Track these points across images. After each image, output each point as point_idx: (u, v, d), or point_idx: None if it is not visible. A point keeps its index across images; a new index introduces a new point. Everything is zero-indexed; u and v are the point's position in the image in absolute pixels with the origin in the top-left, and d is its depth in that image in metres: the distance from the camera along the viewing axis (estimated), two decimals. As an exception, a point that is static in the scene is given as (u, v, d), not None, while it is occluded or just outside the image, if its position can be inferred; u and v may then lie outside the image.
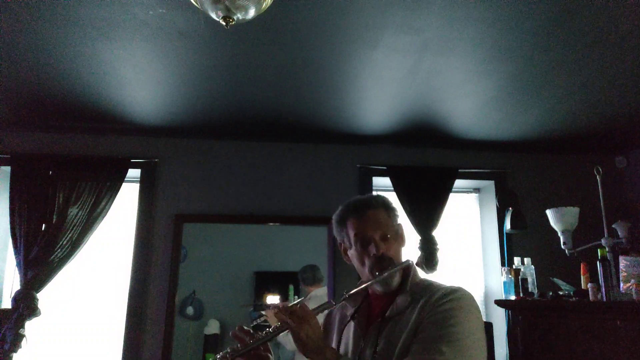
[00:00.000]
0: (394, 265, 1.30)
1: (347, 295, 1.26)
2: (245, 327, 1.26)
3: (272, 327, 1.19)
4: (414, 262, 1.38)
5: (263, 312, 3.25)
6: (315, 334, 1.16)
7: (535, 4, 1.90)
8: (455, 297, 1.22)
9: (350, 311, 1.39)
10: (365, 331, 1.31)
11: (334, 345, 1.38)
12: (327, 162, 3.53)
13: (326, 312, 1.45)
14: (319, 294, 3.30)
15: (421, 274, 1.41)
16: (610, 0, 1.88)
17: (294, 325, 1.14)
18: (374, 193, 3.54)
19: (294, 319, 1.15)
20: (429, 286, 1.30)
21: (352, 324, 1.36)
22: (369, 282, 1.29)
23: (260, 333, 1.21)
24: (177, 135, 3.37)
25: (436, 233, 3.39)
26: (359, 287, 1.30)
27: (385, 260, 1.30)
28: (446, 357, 1.11)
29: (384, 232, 1.33)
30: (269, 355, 1.33)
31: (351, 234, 1.35)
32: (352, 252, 1.37)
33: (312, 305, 1.22)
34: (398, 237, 1.37)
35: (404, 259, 1.36)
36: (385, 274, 1.28)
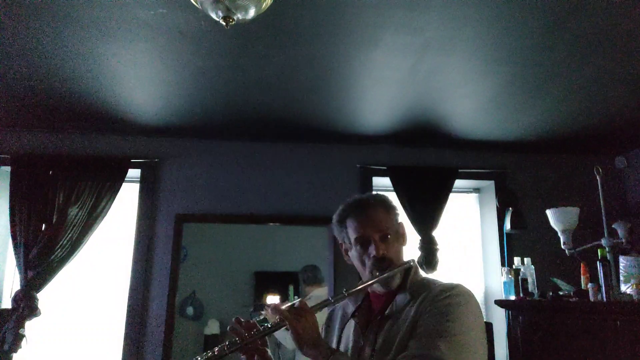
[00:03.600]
0: (395, 266, 1.29)
1: (346, 294, 1.26)
2: (242, 319, 1.25)
3: (271, 322, 1.21)
4: (415, 262, 1.37)
5: (262, 312, 3.25)
6: (312, 329, 1.17)
7: (535, 5, 1.90)
8: (453, 293, 1.21)
9: (351, 309, 1.39)
10: (364, 329, 1.30)
11: (334, 343, 1.38)
12: (327, 162, 3.53)
13: (327, 310, 1.45)
14: (318, 294, 3.30)
15: (422, 272, 1.39)
16: (610, 0, 1.88)
17: (291, 319, 1.16)
18: (374, 192, 3.56)
19: (291, 314, 1.17)
20: (429, 283, 1.30)
21: (352, 322, 1.35)
22: (368, 282, 1.28)
23: (258, 327, 1.22)
24: (177, 135, 3.37)
25: (436, 233, 3.39)
26: (359, 287, 1.29)
27: (385, 261, 1.29)
28: (442, 353, 1.10)
29: (383, 232, 1.31)
30: (266, 349, 1.32)
31: (351, 235, 1.33)
32: (352, 253, 1.36)
33: (311, 305, 1.22)
34: (399, 237, 1.35)
35: (406, 259, 1.35)
36: (385, 274, 1.27)
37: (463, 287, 1.25)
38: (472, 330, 1.17)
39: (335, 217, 1.39)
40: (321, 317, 1.27)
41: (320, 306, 1.25)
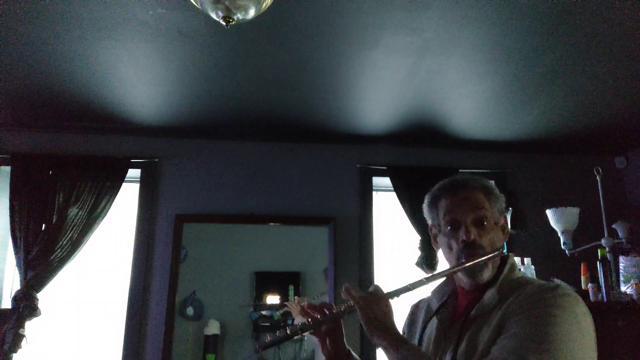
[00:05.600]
0: (486, 254, 1.12)
1: (426, 281, 1.13)
2: (316, 303, 1.17)
3: (344, 305, 1.12)
4: (512, 256, 1.20)
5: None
6: (385, 315, 1.08)
7: (534, 5, 1.90)
8: (555, 294, 1.03)
9: (435, 305, 1.26)
10: (447, 329, 1.17)
11: (417, 337, 1.27)
12: (327, 162, 3.52)
13: (413, 301, 1.38)
14: None
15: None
16: (610, 1, 1.88)
17: (362, 302, 1.08)
18: (374, 193, 3.58)
19: (363, 298, 1.09)
20: (523, 283, 1.12)
21: (435, 319, 1.23)
22: (451, 269, 1.14)
23: (332, 309, 1.14)
24: (177, 135, 3.37)
25: (436, 233, 3.39)
26: (440, 273, 1.16)
27: (475, 247, 1.12)
28: None
29: (478, 217, 1.14)
30: (341, 334, 1.21)
31: (441, 214, 1.19)
32: (441, 238, 1.21)
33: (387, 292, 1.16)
34: (497, 228, 1.17)
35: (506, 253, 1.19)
36: (471, 262, 1.11)
37: (566, 288, 1.08)
38: (576, 340, 0.97)
39: (427, 197, 1.25)
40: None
41: (397, 293, 1.13)
